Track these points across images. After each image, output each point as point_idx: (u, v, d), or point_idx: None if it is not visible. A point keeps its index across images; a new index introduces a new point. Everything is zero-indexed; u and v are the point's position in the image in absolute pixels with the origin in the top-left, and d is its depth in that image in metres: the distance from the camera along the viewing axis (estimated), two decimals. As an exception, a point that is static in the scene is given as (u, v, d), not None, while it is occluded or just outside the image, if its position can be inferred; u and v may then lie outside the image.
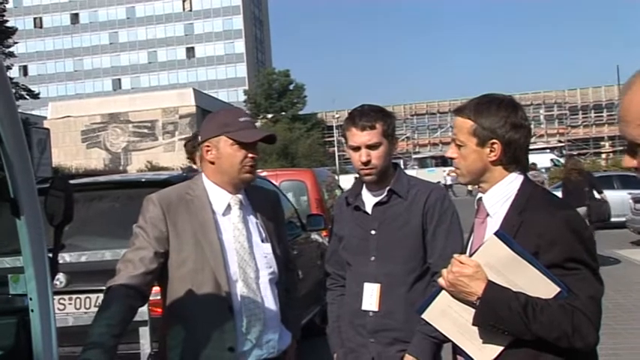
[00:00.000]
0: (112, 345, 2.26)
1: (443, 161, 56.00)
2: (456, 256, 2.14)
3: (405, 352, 2.80)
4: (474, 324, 2.07)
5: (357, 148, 2.85)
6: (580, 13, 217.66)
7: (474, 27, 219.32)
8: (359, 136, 2.84)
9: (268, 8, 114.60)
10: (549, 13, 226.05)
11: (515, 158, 2.23)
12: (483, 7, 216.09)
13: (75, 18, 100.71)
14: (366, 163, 2.84)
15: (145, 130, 61.65)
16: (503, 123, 2.20)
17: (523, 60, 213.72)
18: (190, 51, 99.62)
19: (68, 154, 56.66)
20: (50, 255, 2.04)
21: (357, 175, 3.03)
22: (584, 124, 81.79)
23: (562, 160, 54.19)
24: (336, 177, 15.03)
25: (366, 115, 2.86)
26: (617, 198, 15.51)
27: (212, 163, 2.63)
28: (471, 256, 2.13)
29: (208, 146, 2.62)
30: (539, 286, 2.03)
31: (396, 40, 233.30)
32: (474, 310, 2.07)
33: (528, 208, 2.14)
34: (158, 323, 3.48)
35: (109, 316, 2.32)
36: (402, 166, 2.99)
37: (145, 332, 3.47)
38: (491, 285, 2.05)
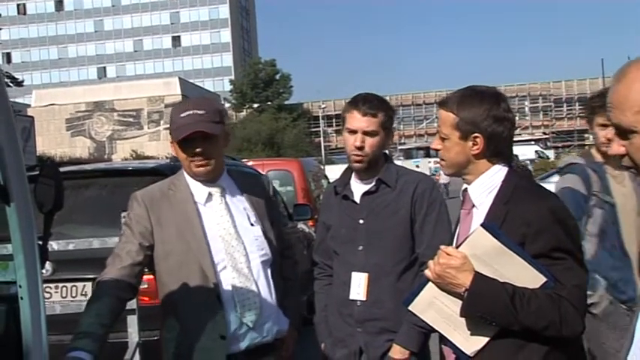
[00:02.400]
0: (101, 334, 2.31)
1: (427, 152, 56.14)
2: (442, 247, 2.15)
3: (393, 341, 2.81)
4: (461, 315, 2.09)
5: (353, 132, 2.87)
6: (566, 6, 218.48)
7: (461, 19, 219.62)
8: (359, 121, 2.85)
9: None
10: (536, 7, 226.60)
11: (498, 151, 2.24)
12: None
13: (59, 5, 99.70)
14: (360, 148, 2.84)
15: (130, 119, 61.30)
16: (486, 116, 2.20)
17: (509, 52, 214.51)
18: (176, 40, 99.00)
19: (52, 142, 56.24)
20: (40, 242, 2.03)
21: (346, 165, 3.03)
22: (569, 116, 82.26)
23: (547, 152, 54.61)
24: (322, 167, 15.08)
25: (370, 101, 2.88)
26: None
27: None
28: (457, 247, 2.14)
29: (172, 142, 2.66)
30: (526, 276, 2.05)
31: (381, 32, 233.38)
32: (460, 302, 2.08)
33: (513, 199, 2.16)
34: (146, 312, 3.49)
35: (98, 307, 2.38)
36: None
37: (132, 321, 3.46)
38: (478, 276, 2.06)
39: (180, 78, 63.62)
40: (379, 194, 2.90)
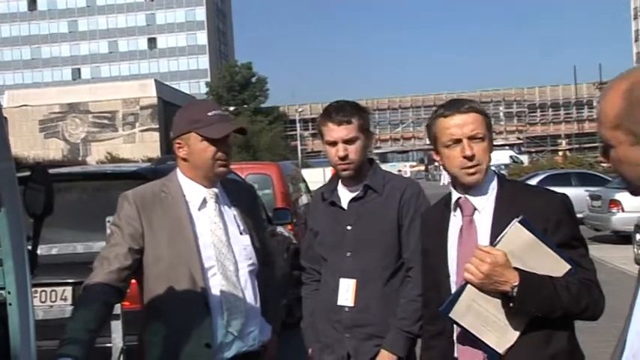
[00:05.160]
0: (88, 339, 2.28)
1: (404, 157, 56.43)
2: (481, 246, 2.13)
3: (380, 346, 2.81)
4: (515, 312, 2.11)
5: (333, 143, 2.85)
6: (541, 15, 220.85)
7: (436, 25, 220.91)
8: (336, 131, 2.84)
9: (231, 0, 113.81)
10: (512, 15, 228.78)
11: None
12: (446, 5, 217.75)
13: (32, 4, 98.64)
14: (344, 158, 2.83)
15: (105, 121, 60.63)
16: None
17: (484, 58, 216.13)
18: (152, 41, 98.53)
19: (25, 144, 55.43)
20: (29, 247, 2.00)
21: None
22: (542, 121, 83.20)
23: (521, 157, 55.09)
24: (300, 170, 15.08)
25: (342, 109, 2.86)
26: (574, 195, 15.77)
27: (185, 159, 2.63)
28: (494, 246, 2.14)
29: (179, 143, 2.62)
30: (554, 266, 2.13)
31: (357, 37, 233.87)
32: (497, 301, 2.11)
33: (519, 199, 2.24)
34: (130, 317, 3.46)
35: (85, 312, 2.35)
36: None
37: (117, 326, 3.42)
38: (522, 271, 2.09)
39: (156, 80, 63.05)
40: (366, 200, 2.90)
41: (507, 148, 59.75)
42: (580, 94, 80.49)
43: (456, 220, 2.34)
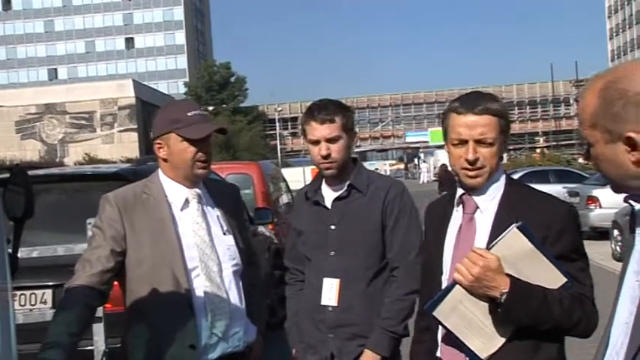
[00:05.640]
0: (69, 343, 2.26)
1: (383, 155, 56.60)
2: (475, 249, 2.06)
3: (364, 346, 2.81)
4: (502, 319, 2.05)
5: (316, 142, 2.84)
6: (517, 12, 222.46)
7: (415, 24, 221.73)
8: (319, 130, 2.83)
9: (209, 0, 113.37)
10: (489, 14, 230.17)
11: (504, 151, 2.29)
12: (422, 5, 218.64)
13: (7, 4, 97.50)
14: (326, 157, 2.82)
15: (83, 122, 59.99)
16: (507, 114, 2.23)
17: (462, 56, 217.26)
18: (130, 41, 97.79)
19: (1, 145, 54.78)
20: (10, 251, 1.97)
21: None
22: (520, 119, 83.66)
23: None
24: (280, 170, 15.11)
25: (325, 108, 2.85)
26: (552, 192, 15.83)
27: (165, 160, 2.61)
28: (489, 249, 2.07)
29: (160, 143, 2.60)
30: (548, 277, 2.06)
31: (335, 36, 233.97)
32: (484, 305, 2.06)
33: (522, 204, 2.17)
34: (113, 319, 3.43)
35: (66, 315, 2.32)
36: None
37: (98, 329, 3.39)
38: (513, 278, 2.02)
39: (134, 80, 62.49)
40: (350, 200, 2.89)
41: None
42: (557, 92, 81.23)
43: (457, 216, 2.29)
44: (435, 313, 2.14)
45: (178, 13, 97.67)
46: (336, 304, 2.85)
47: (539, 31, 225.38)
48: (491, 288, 2.02)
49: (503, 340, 2.09)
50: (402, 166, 75.32)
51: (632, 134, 1.48)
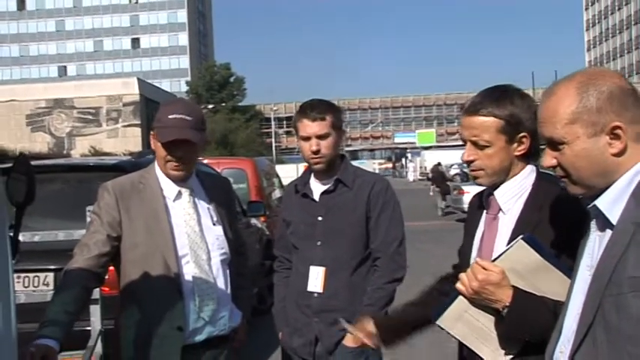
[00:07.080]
0: (67, 321, 2.26)
1: (373, 154, 56.64)
2: (478, 260, 1.85)
3: (347, 331, 2.81)
4: (504, 335, 1.87)
5: (307, 138, 2.85)
6: (501, 22, 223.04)
7: (404, 28, 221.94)
8: (310, 127, 2.84)
9: (212, 3, 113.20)
10: (473, 20, 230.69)
11: (536, 149, 2.00)
12: (412, 8, 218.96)
13: (21, 4, 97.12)
14: (316, 153, 2.83)
15: (89, 117, 59.79)
16: (531, 113, 1.92)
17: (448, 63, 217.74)
18: (135, 41, 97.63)
19: (12, 137, 54.51)
20: (11, 234, 1.95)
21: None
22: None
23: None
24: (274, 166, 15.11)
25: (316, 107, 2.87)
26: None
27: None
28: (494, 260, 1.84)
29: (153, 136, 2.59)
30: (562, 288, 1.77)
31: (332, 39, 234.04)
32: (492, 315, 1.86)
33: (547, 205, 1.93)
34: (108, 301, 3.42)
35: (64, 296, 2.33)
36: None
37: (95, 310, 3.39)
38: (518, 292, 1.79)
39: (138, 78, 62.28)
40: (337, 193, 2.90)
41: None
42: (537, 99, 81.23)
43: (485, 217, 2.08)
44: (438, 322, 1.95)
45: (182, 15, 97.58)
46: (321, 291, 2.85)
47: (521, 40, 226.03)
48: (492, 301, 1.81)
49: (514, 351, 1.90)
50: (390, 165, 75.48)
51: (619, 123, 1.48)
